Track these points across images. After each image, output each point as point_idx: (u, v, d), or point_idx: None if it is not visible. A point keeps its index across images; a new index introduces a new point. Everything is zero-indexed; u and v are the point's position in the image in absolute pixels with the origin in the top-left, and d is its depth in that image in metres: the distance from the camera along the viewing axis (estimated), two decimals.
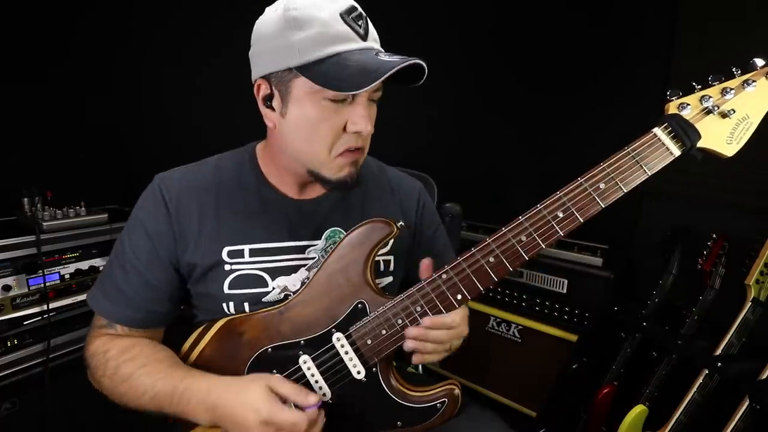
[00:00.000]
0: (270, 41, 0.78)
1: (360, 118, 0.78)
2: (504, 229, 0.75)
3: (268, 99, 0.82)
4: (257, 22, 0.83)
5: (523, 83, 2.27)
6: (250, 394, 0.74)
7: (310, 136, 0.80)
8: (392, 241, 0.90)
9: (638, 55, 1.95)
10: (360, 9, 0.79)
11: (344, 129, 0.79)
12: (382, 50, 0.80)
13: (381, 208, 0.98)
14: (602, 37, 2.04)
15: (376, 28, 0.83)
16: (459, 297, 0.77)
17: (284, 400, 0.75)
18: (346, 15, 0.76)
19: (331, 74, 0.73)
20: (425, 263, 0.81)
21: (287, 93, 0.79)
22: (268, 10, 0.81)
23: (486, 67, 2.30)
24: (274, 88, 0.80)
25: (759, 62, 0.75)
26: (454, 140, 2.40)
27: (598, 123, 2.05)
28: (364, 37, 0.77)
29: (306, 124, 0.79)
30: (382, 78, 0.71)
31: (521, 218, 0.75)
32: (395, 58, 0.74)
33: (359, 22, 0.77)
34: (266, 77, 0.81)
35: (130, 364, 0.82)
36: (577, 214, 0.73)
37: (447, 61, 2.32)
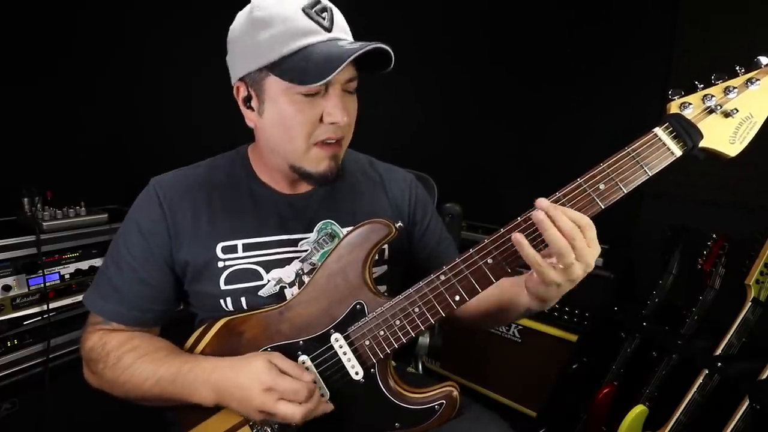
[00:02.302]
0: (240, 44, 0.81)
1: (334, 108, 0.79)
2: (502, 230, 0.75)
3: (247, 100, 0.84)
4: (230, 27, 0.84)
5: (522, 81, 2.26)
6: (252, 367, 0.77)
7: (288, 131, 0.81)
8: None
9: (638, 51, 1.94)
10: (324, 1, 0.79)
11: (320, 120, 0.81)
12: (347, 39, 0.80)
13: (371, 200, 0.99)
14: (601, 34, 2.03)
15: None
16: (457, 298, 0.77)
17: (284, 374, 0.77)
18: (309, 9, 0.77)
19: (296, 69, 0.75)
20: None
21: (262, 92, 0.81)
22: (238, 14, 0.83)
23: (482, 66, 2.30)
24: (250, 89, 0.83)
25: (763, 60, 0.73)
26: (453, 140, 2.40)
27: (597, 121, 2.05)
28: (329, 29, 0.78)
29: (282, 120, 0.81)
30: (342, 66, 0.71)
31: (519, 219, 0.74)
32: (356, 45, 0.75)
33: (323, 15, 0.78)
34: (242, 79, 0.83)
35: (131, 354, 0.83)
36: None
37: (445, 60, 2.33)
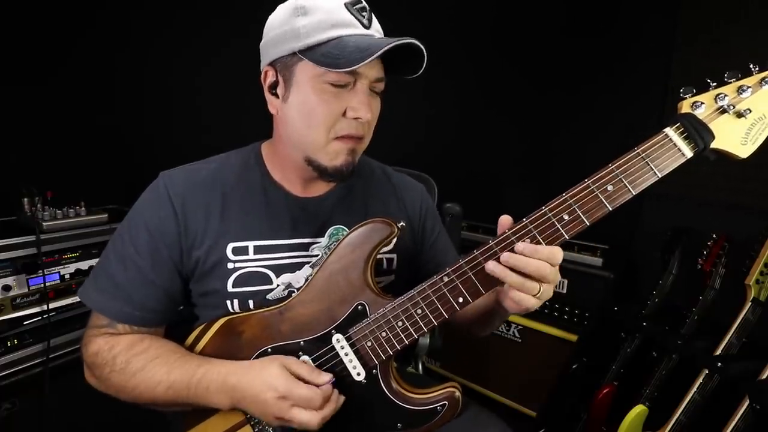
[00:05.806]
0: (278, 28, 0.82)
1: (360, 104, 0.80)
2: (507, 232, 0.74)
3: (273, 87, 0.85)
4: (270, 16, 0.86)
5: (524, 82, 2.26)
6: (266, 374, 0.77)
7: (310, 119, 0.81)
8: (395, 240, 0.90)
9: (640, 53, 1.95)
10: (365, 3, 0.82)
11: (344, 115, 0.81)
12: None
13: (384, 208, 0.99)
14: (604, 35, 2.03)
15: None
16: (460, 300, 0.77)
17: (299, 380, 0.77)
18: (351, 6, 0.80)
19: (330, 54, 0.76)
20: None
21: (291, 77, 0.81)
22: (280, 6, 0.85)
23: (486, 66, 2.30)
24: (279, 74, 0.83)
25: None
26: (454, 140, 2.39)
27: (599, 122, 2.05)
28: (367, 27, 0.80)
29: (306, 107, 0.81)
30: (376, 54, 0.72)
31: (525, 221, 0.73)
32: (391, 39, 0.76)
33: (363, 14, 0.81)
34: (272, 64, 0.83)
35: (141, 357, 0.82)
36: (583, 217, 0.71)
37: (448, 60, 2.31)
